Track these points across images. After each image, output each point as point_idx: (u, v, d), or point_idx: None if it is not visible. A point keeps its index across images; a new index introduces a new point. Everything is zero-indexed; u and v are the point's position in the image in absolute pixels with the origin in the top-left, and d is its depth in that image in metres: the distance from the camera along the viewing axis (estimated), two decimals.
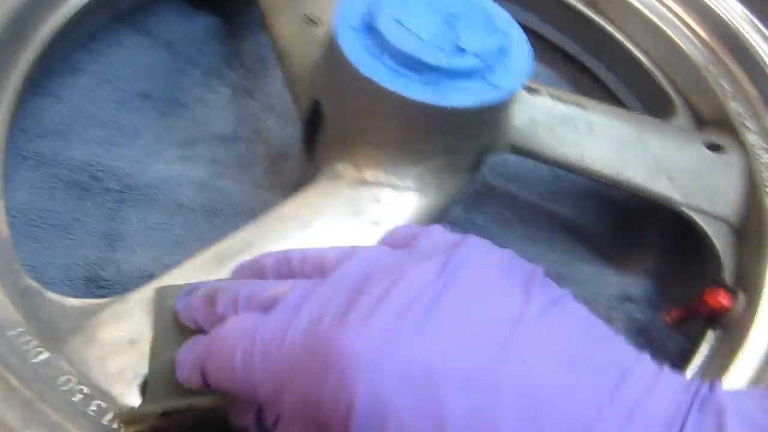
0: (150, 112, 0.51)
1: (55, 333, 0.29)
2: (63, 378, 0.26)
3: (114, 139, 0.49)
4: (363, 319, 0.20)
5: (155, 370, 0.27)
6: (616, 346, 0.22)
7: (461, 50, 0.36)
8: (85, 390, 0.26)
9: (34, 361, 0.26)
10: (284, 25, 0.46)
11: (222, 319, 0.25)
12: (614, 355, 0.21)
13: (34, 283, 0.31)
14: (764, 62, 0.50)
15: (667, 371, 0.21)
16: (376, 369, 0.19)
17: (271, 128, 0.53)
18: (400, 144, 0.37)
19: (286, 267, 0.27)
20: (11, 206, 0.43)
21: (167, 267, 0.35)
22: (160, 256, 0.44)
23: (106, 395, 0.27)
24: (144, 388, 0.27)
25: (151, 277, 0.34)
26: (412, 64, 0.35)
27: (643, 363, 0.21)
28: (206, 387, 0.25)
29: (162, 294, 0.30)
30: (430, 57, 0.35)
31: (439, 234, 0.25)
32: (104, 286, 0.42)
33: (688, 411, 0.19)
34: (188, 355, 0.26)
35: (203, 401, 0.26)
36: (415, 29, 0.36)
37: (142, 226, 0.45)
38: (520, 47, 0.38)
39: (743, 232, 0.45)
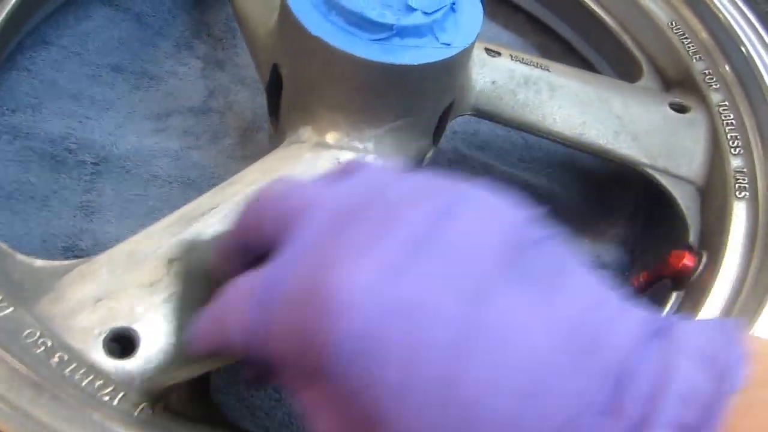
0: (122, 85, 0.52)
1: (26, 293, 0.30)
2: (27, 331, 0.27)
3: (87, 112, 0.50)
4: (355, 258, 0.21)
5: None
6: (583, 285, 0.22)
7: (410, 8, 0.36)
8: (49, 343, 0.27)
9: None
10: None
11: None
12: (581, 293, 0.22)
13: (3, 246, 0.32)
14: (727, 20, 0.50)
15: (629, 307, 0.22)
16: (362, 305, 0.20)
17: (242, 100, 0.54)
18: (356, 105, 0.38)
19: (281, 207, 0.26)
20: None
21: None
22: (135, 226, 0.44)
23: (70, 349, 0.28)
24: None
25: None
26: (359, 23, 0.36)
27: (608, 299, 0.22)
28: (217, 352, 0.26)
29: (188, 249, 0.31)
30: (377, 14, 0.35)
31: (435, 177, 0.26)
32: (81, 255, 0.43)
33: (641, 345, 0.20)
34: (195, 330, 0.26)
35: (213, 365, 0.27)
36: None
37: (118, 198, 0.47)
38: (471, 4, 0.39)
39: (707, 192, 0.45)
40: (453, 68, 0.39)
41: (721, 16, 0.51)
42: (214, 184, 0.48)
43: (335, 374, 0.21)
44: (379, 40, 0.36)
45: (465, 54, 0.38)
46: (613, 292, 0.23)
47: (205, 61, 0.56)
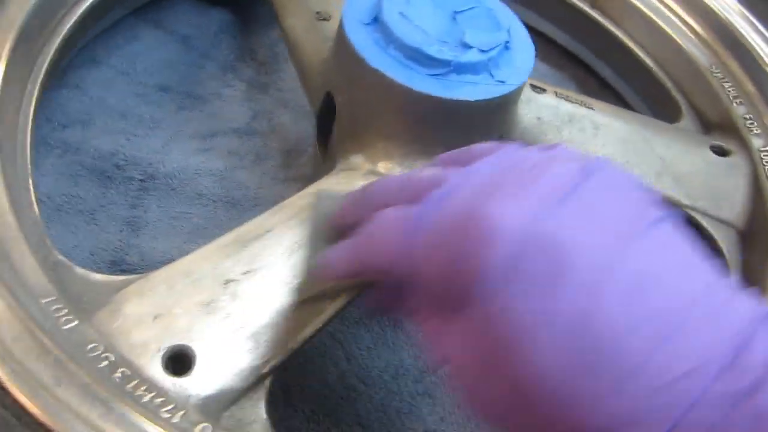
0: (168, 105, 0.53)
1: (83, 305, 0.31)
2: (90, 345, 0.28)
3: (135, 130, 0.51)
4: (509, 198, 0.23)
5: (309, 269, 0.31)
6: (700, 265, 0.24)
7: (466, 45, 0.37)
8: (111, 358, 0.28)
9: (64, 328, 0.28)
10: (296, 19, 0.48)
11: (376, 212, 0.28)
12: (699, 271, 0.23)
13: (63, 258, 0.33)
14: (766, 64, 0.51)
15: (742, 292, 0.24)
16: (513, 236, 0.22)
17: (286, 123, 0.55)
18: (410, 136, 0.39)
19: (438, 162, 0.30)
20: (40, 192, 0.45)
21: (187, 254, 0.36)
22: (180, 243, 0.46)
23: (131, 365, 0.28)
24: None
25: (171, 262, 0.35)
26: (418, 57, 0.36)
27: (724, 281, 0.23)
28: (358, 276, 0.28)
29: (320, 198, 0.33)
30: (435, 51, 0.36)
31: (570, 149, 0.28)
32: (128, 270, 0.44)
33: (757, 322, 0.22)
34: (341, 253, 0.29)
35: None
36: (421, 24, 0.37)
37: (164, 215, 0.47)
38: (523, 43, 0.40)
39: (749, 236, 0.45)
40: (505, 104, 0.40)
41: (759, 60, 0.51)
42: (258, 205, 0.50)
43: (481, 297, 0.22)
44: (437, 75, 0.37)
45: (518, 91, 0.39)
46: (726, 278, 0.24)
47: (249, 84, 0.57)
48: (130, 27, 0.57)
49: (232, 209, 0.49)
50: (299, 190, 0.41)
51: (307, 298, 0.31)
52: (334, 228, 0.32)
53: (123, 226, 0.46)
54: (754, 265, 0.44)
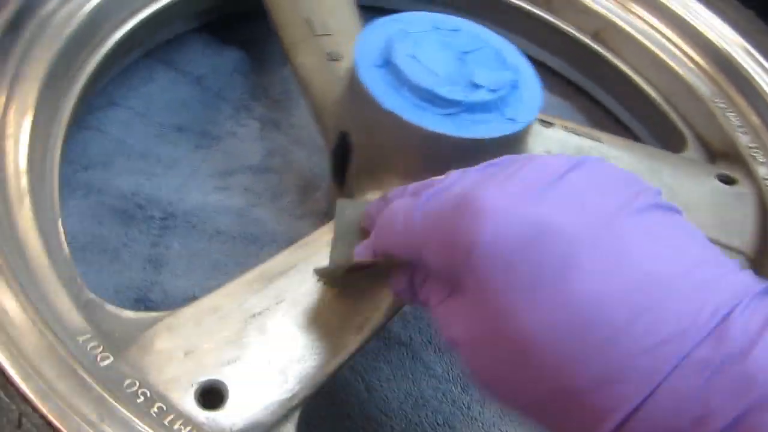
0: (185, 144, 0.55)
1: (115, 342, 0.32)
2: (127, 381, 0.29)
3: (154, 170, 0.52)
4: (498, 185, 0.26)
5: (335, 258, 0.35)
6: (702, 242, 0.25)
7: (475, 85, 0.38)
8: (147, 393, 0.29)
9: (102, 364, 0.29)
10: (307, 60, 0.49)
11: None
12: (699, 247, 0.25)
13: (94, 296, 0.34)
14: (767, 94, 0.52)
15: (742, 268, 0.25)
16: (502, 218, 0.24)
17: (300, 160, 0.56)
18: (425, 174, 0.39)
19: None
20: (66, 232, 0.46)
21: (208, 290, 0.37)
22: (201, 279, 0.47)
23: (165, 399, 0.29)
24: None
25: (194, 298, 0.36)
26: (431, 98, 0.38)
27: (724, 258, 0.25)
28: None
29: (342, 205, 0.36)
30: (447, 91, 0.38)
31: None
32: (152, 307, 0.45)
33: (754, 294, 0.23)
34: (364, 245, 0.32)
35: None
36: (431, 65, 0.39)
37: (184, 252, 0.48)
38: (531, 81, 0.41)
39: (759, 265, 0.46)
40: (516, 140, 0.41)
41: (760, 90, 0.53)
42: (275, 240, 0.51)
43: (474, 269, 0.25)
44: (449, 114, 0.38)
45: (528, 127, 0.40)
46: (728, 257, 0.25)
47: (262, 122, 0.59)
48: (146, 68, 0.59)
49: (250, 245, 0.50)
50: (315, 224, 0.42)
51: (326, 275, 0.35)
52: (361, 231, 0.35)
53: (145, 263, 0.47)
54: None
